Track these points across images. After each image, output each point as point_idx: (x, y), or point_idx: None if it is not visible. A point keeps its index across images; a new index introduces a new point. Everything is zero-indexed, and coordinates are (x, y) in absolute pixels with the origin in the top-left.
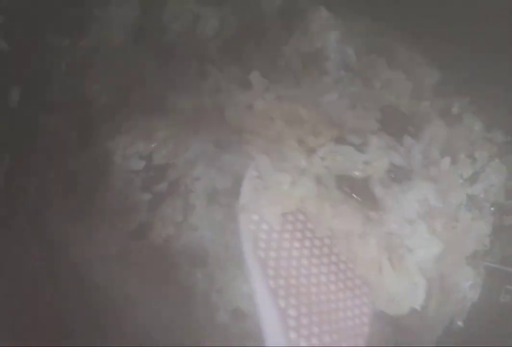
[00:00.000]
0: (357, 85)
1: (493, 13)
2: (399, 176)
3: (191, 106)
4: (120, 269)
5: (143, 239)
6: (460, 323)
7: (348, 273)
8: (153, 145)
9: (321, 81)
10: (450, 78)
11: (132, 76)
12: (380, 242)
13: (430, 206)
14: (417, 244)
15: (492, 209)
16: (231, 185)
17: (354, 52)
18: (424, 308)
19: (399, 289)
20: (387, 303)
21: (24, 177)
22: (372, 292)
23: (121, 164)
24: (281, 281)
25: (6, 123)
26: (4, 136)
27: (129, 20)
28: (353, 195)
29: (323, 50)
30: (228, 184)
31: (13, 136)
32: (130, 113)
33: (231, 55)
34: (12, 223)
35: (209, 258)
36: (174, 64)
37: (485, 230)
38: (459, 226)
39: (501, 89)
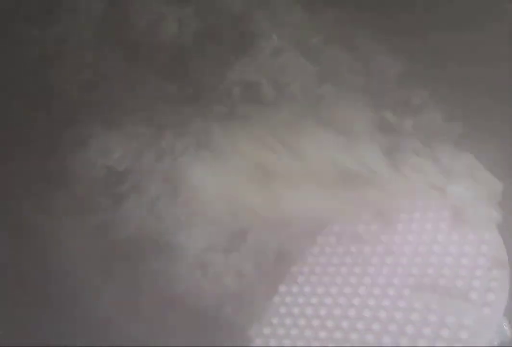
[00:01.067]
0: None
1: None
2: None
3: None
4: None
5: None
6: None
7: None
8: (113, 158)
9: None
10: (412, 69)
11: (100, 72)
12: None
13: None
14: None
15: None
16: None
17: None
18: None
19: None
20: None
21: None
22: None
23: (80, 175)
24: None
25: None
26: None
27: (97, 12)
28: None
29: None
30: None
31: None
32: (91, 121)
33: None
34: None
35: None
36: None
37: None
38: None
39: (462, 83)
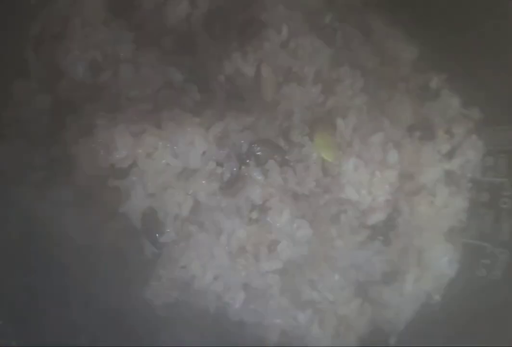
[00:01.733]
0: None
1: None
2: None
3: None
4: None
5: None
6: (437, 297)
7: None
8: (117, 156)
9: None
10: (428, 54)
11: (108, 52)
12: None
13: None
14: None
15: (469, 185)
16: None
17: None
18: (402, 284)
19: None
20: None
21: None
22: None
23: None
24: None
25: None
26: None
27: None
28: None
29: None
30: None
31: None
32: (95, 109)
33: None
34: None
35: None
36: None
37: (462, 206)
38: (437, 201)
39: (478, 67)
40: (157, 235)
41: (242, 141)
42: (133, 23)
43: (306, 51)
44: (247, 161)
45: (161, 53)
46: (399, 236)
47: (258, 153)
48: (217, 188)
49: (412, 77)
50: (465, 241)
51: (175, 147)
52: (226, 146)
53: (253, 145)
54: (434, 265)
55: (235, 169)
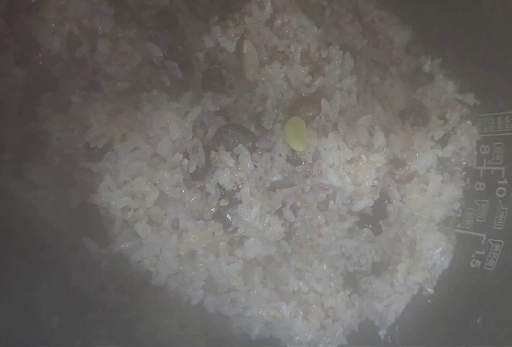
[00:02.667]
0: None
1: None
2: None
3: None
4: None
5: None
6: (430, 290)
7: None
8: (91, 134)
9: None
10: (422, 38)
11: (86, 26)
12: None
13: None
14: None
15: (463, 173)
16: None
17: None
18: (393, 275)
19: None
20: None
21: None
22: None
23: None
24: None
25: None
26: None
27: None
28: None
29: None
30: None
31: None
32: (71, 86)
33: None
34: None
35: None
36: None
37: (456, 194)
38: (429, 188)
39: (474, 52)
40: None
41: (214, 128)
42: None
43: (292, 29)
44: (217, 147)
45: (141, 29)
46: (390, 225)
47: (229, 138)
48: (181, 180)
49: (405, 61)
50: (459, 231)
51: (149, 131)
52: (196, 137)
53: (225, 130)
54: (426, 255)
55: (202, 160)
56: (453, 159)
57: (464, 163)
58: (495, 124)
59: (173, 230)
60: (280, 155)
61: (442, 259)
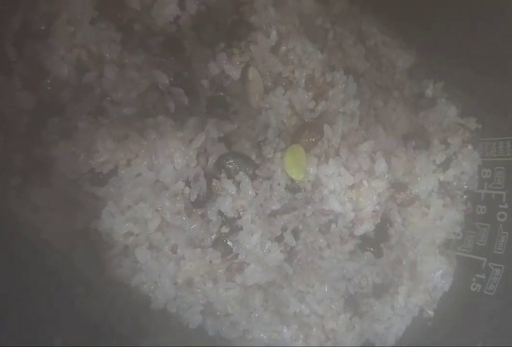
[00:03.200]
0: None
1: None
2: None
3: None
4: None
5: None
6: (430, 312)
7: None
8: (98, 160)
9: None
10: (425, 62)
11: (94, 53)
12: None
13: None
14: None
15: (464, 197)
16: None
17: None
18: (394, 297)
19: None
20: None
21: None
22: None
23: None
24: None
25: None
26: None
27: None
28: None
29: None
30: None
31: None
32: (78, 111)
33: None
34: None
35: None
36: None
37: (457, 218)
38: (431, 212)
39: (476, 76)
40: None
41: (215, 156)
42: (121, 23)
43: (297, 56)
44: (219, 175)
45: (148, 55)
46: (391, 248)
47: (230, 166)
48: (182, 208)
49: (407, 85)
50: (460, 254)
51: (153, 157)
52: (198, 165)
53: (226, 157)
54: (427, 278)
55: (204, 189)
56: (454, 183)
57: (465, 187)
58: (496, 149)
59: (172, 254)
60: (279, 184)
61: (443, 281)
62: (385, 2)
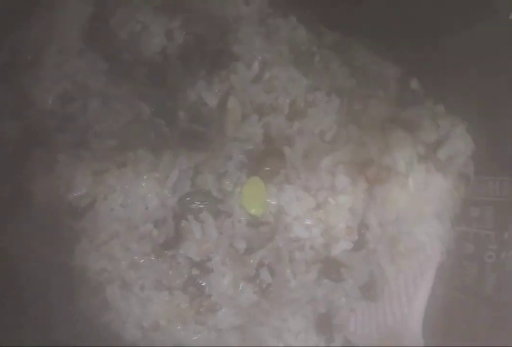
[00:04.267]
0: None
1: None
2: None
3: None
4: None
5: None
6: None
7: None
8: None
9: None
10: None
11: (79, 83)
12: None
13: None
14: None
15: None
16: None
17: None
18: None
19: None
20: None
21: None
22: None
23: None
24: None
25: None
26: None
27: (81, 20)
28: None
29: None
30: None
31: None
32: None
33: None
34: None
35: None
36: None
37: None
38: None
39: (468, 106)
40: None
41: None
42: (108, 54)
43: (281, 82)
44: (187, 216)
45: (132, 85)
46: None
47: (192, 205)
48: (150, 250)
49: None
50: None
51: (127, 196)
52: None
53: (188, 196)
54: None
55: (171, 232)
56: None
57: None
58: (486, 188)
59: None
60: (239, 221)
61: None
62: (381, 32)
